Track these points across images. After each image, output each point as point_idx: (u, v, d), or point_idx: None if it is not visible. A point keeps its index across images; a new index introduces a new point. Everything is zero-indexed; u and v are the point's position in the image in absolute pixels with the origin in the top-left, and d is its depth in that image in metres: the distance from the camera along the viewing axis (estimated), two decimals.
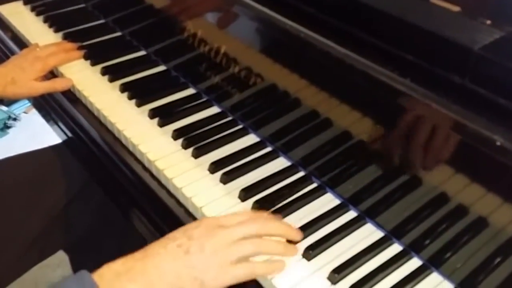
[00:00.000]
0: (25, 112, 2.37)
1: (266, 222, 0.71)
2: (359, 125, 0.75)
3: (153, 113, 0.95)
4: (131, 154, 0.91)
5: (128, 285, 0.62)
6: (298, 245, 0.73)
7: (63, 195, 1.08)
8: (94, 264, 1.26)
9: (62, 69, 1.08)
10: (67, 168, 1.09)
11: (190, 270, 0.64)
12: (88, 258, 1.22)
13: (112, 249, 1.20)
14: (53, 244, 1.12)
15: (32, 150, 1.14)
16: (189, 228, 0.68)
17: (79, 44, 1.13)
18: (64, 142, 1.14)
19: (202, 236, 0.66)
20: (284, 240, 0.72)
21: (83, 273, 0.63)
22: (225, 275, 0.65)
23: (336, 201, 0.80)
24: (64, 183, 1.08)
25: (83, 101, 1.03)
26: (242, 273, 0.66)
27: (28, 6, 1.30)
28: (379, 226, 0.76)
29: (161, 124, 0.93)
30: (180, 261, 0.64)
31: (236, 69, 0.91)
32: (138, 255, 0.65)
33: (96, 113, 0.99)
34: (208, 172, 0.84)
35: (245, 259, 0.67)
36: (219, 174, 0.83)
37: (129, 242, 1.18)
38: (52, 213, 1.06)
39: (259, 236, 0.69)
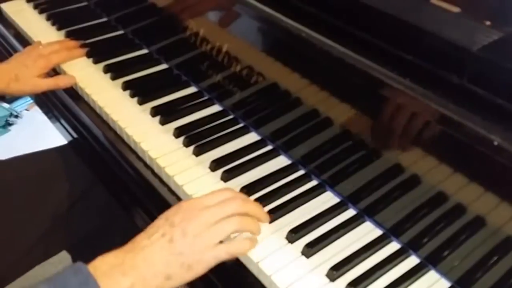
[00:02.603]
0: (26, 110, 2.38)
1: (244, 201, 0.73)
2: (358, 124, 0.75)
3: (155, 111, 0.96)
4: (133, 151, 0.92)
5: (122, 278, 0.64)
6: (298, 242, 0.74)
7: (67, 196, 1.08)
8: None
9: (65, 66, 1.09)
10: (71, 169, 1.10)
11: (176, 257, 0.66)
12: (91, 259, 1.23)
13: (115, 248, 1.21)
14: (56, 245, 1.12)
15: (37, 151, 1.15)
16: (170, 215, 0.69)
17: (82, 42, 1.14)
18: (68, 143, 1.15)
19: (183, 220, 0.68)
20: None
21: (79, 264, 0.64)
22: (209, 257, 0.67)
23: (335, 199, 0.80)
24: (68, 184, 1.09)
25: (86, 98, 1.03)
26: (223, 252, 0.68)
27: (31, 4, 1.30)
28: (378, 224, 0.76)
29: (163, 122, 0.94)
30: (166, 250, 0.66)
31: (238, 68, 0.91)
32: (127, 247, 0.67)
33: (98, 111, 1.00)
34: (209, 170, 0.85)
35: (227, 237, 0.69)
36: (220, 172, 0.84)
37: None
38: (55, 214, 1.07)
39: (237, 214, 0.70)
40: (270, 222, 0.76)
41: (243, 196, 0.77)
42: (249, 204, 0.74)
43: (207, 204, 0.70)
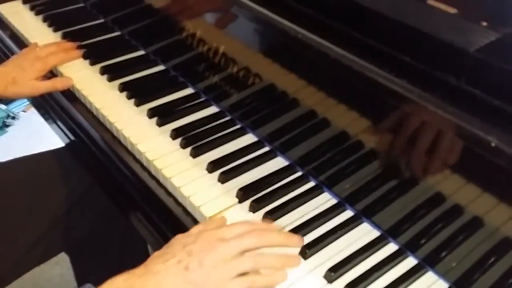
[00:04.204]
0: (23, 111, 2.38)
1: (265, 234, 0.71)
2: (356, 126, 0.75)
3: (152, 113, 0.96)
4: (130, 153, 0.92)
5: None
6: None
7: (65, 198, 1.08)
8: (95, 266, 1.27)
9: (62, 68, 1.08)
10: (69, 172, 1.10)
11: (189, 286, 0.64)
12: (90, 260, 1.23)
13: (114, 251, 1.21)
14: (54, 246, 1.12)
15: (35, 153, 1.15)
16: (188, 243, 0.68)
17: (79, 43, 1.14)
18: (65, 145, 1.14)
19: (201, 251, 0.66)
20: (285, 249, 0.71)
21: (88, 286, 0.63)
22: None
23: (333, 201, 0.80)
24: (66, 186, 1.09)
25: (82, 100, 1.03)
26: (241, 285, 0.66)
27: (27, 5, 1.30)
28: (375, 225, 0.76)
29: (160, 124, 0.94)
30: (180, 278, 0.64)
31: (235, 69, 0.91)
32: (139, 271, 0.66)
33: (95, 113, 1.00)
34: (206, 172, 0.84)
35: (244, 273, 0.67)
36: (217, 173, 0.83)
37: (129, 244, 1.19)
38: (54, 216, 1.07)
39: (259, 248, 0.69)
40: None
41: (266, 227, 0.74)
42: (272, 235, 0.71)
43: (226, 237, 0.68)
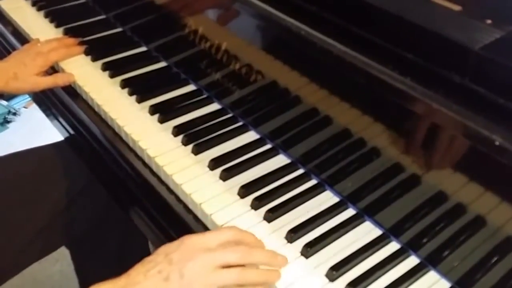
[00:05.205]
0: (25, 107, 2.38)
1: (249, 250, 0.69)
2: (358, 123, 0.75)
3: (153, 109, 0.95)
4: (132, 150, 0.91)
5: None
6: (297, 242, 0.73)
7: (65, 192, 1.08)
8: (96, 261, 1.27)
9: (63, 64, 1.08)
10: (69, 166, 1.10)
11: None
12: (90, 255, 1.23)
13: (113, 245, 1.21)
14: (54, 241, 1.12)
15: (35, 147, 1.15)
16: (170, 251, 0.66)
17: (80, 39, 1.14)
18: (65, 139, 1.14)
19: (182, 260, 0.65)
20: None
21: None
22: None
23: (335, 199, 0.80)
24: (66, 180, 1.09)
25: (84, 96, 1.03)
26: None
27: (29, 1, 1.30)
28: (377, 224, 0.76)
29: (161, 121, 0.93)
30: None
31: (237, 66, 0.91)
32: (121, 282, 0.65)
33: (96, 109, 1.00)
34: (207, 169, 0.84)
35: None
36: (218, 170, 0.83)
37: (130, 239, 1.19)
38: (53, 210, 1.07)
39: (240, 265, 0.67)
40: (269, 221, 0.76)
41: (251, 241, 0.71)
42: (256, 253, 0.69)
43: (209, 246, 0.67)
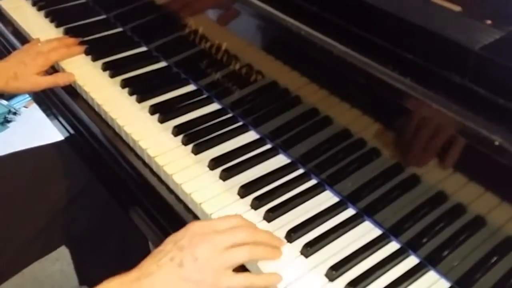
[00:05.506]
0: (25, 107, 2.38)
1: (253, 230, 0.71)
2: (358, 123, 0.75)
3: (153, 109, 0.95)
4: (132, 150, 0.92)
5: None
6: (297, 242, 0.73)
7: (66, 191, 1.08)
8: (96, 260, 1.27)
9: (63, 64, 1.08)
10: (69, 165, 1.10)
11: (185, 283, 0.64)
12: (90, 255, 1.23)
13: (113, 245, 1.21)
14: (54, 240, 1.12)
15: (35, 147, 1.15)
16: (179, 239, 0.67)
17: (81, 39, 1.14)
18: (66, 139, 1.14)
19: (192, 245, 0.65)
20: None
21: None
22: (221, 282, 0.65)
23: (334, 199, 0.80)
24: (67, 180, 1.09)
25: (84, 96, 1.03)
26: (238, 282, 0.66)
27: (29, 1, 1.30)
28: (377, 224, 0.76)
29: (162, 120, 0.93)
30: (175, 275, 0.64)
31: (237, 66, 0.91)
32: (133, 275, 0.65)
33: (96, 109, 1.00)
34: (207, 169, 0.84)
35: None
36: (218, 170, 0.83)
37: (130, 239, 1.19)
38: (54, 210, 1.07)
39: (247, 243, 0.68)
40: (269, 221, 0.76)
41: (252, 224, 0.74)
42: (260, 233, 0.72)
43: (216, 229, 0.68)
